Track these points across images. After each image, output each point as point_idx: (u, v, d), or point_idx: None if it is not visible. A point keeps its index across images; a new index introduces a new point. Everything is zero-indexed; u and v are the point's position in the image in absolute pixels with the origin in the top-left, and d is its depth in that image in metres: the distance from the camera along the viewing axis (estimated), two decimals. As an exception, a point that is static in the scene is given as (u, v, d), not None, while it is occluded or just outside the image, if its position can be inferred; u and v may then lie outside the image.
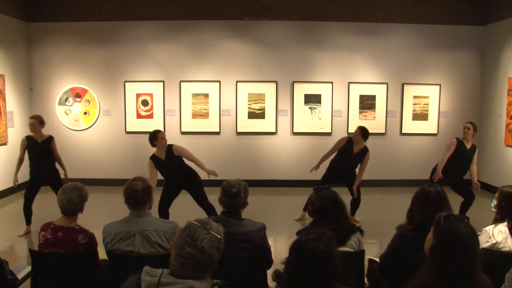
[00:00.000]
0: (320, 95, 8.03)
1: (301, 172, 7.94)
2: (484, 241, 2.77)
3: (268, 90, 8.00)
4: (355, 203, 5.91)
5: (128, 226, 2.66)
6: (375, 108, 8.11)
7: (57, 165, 5.52)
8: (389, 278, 2.63)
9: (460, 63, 8.16)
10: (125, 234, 2.63)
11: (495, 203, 2.99)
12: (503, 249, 2.69)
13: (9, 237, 5.19)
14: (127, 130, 8.07)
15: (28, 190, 5.28)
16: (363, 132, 5.82)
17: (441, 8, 7.99)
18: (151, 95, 8.01)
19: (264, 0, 7.87)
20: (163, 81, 7.98)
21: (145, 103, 8.02)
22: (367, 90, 8.08)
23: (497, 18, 7.69)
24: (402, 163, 8.19)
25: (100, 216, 4.52)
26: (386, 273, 2.67)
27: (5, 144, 7.18)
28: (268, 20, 7.94)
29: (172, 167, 4.96)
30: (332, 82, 8.00)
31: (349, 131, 8.08)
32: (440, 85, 8.14)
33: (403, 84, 8.11)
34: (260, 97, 8.01)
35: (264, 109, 8.03)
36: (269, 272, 3.00)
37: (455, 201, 5.17)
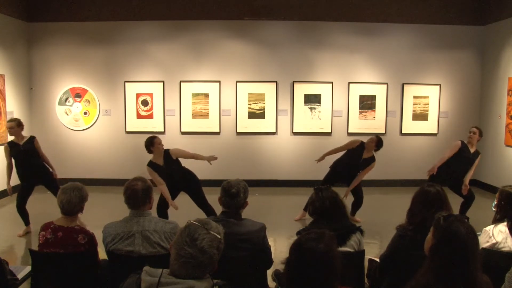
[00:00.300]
0: (320, 95, 8.03)
1: (301, 172, 7.95)
2: (484, 241, 2.77)
3: (268, 90, 8.00)
4: (357, 203, 5.91)
5: (128, 226, 2.66)
6: (375, 108, 8.11)
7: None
8: (389, 278, 2.63)
9: (460, 63, 8.16)
10: (125, 234, 2.63)
11: (496, 203, 2.99)
12: (503, 249, 2.69)
13: (9, 237, 5.19)
14: (127, 130, 8.06)
15: (20, 192, 5.23)
16: (378, 142, 5.76)
17: (441, 8, 7.99)
18: (151, 95, 8.01)
19: (264, 0, 7.87)
20: (163, 81, 7.97)
21: (145, 103, 8.02)
22: (367, 90, 8.08)
23: (497, 18, 7.69)
24: (402, 163, 8.19)
25: (100, 216, 4.52)
26: (386, 273, 2.67)
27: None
28: (268, 20, 7.94)
29: (171, 172, 4.95)
30: (332, 82, 8.00)
31: (349, 131, 8.10)
32: (440, 85, 8.14)
33: (403, 84, 8.11)
34: (260, 97, 8.01)
35: (264, 109, 8.03)
36: (269, 272, 3.00)
37: (455, 201, 5.18)
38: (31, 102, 8.05)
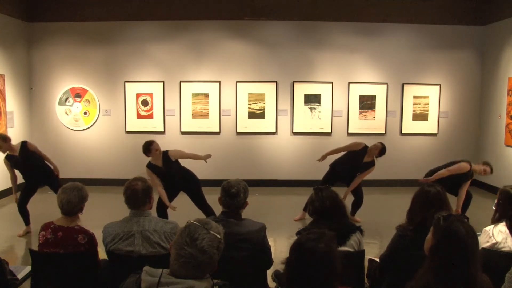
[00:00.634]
0: (320, 95, 8.03)
1: (301, 172, 7.95)
2: (484, 241, 2.77)
3: (268, 90, 8.00)
4: (357, 203, 5.91)
5: (128, 226, 2.66)
6: (375, 108, 8.11)
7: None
8: (389, 278, 2.63)
9: (460, 63, 8.16)
10: (125, 234, 2.63)
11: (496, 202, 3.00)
12: (503, 249, 2.69)
13: (9, 237, 5.19)
14: (127, 130, 8.06)
15: (23, 191, 5.24)
16: (382, 150, 5.73)
17: (441, 8, 7.99)
18: (151, 95, 8.01)
19: (264, 0, 7.87)
20: (163, 81, 7.97)
21: (145, 103, 8.02)
22: (367, 90, 8.08)
23: (497, 18, 7.69)
24: (402, 163, 8.18)
25: (100, 216, 4.51)
26: (386, 273, 2.68)
27: (5, 144, 7.17)
28: (268, 20, 7.94)
29: (171, 172, 4.95)
30: (332, 82, 8.00)
31: (349, 131, 8.09)
32: (440, 85, 8.14)
33: (403, 84, 8.11)
34: (260, 97, 8.01)
35: (264, 109, 8.03)
36: (269, 272, 3.00)
37: (454, 201, 5.18)
38: (31, 102, 8.05)
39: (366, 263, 2.97)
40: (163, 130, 8.02)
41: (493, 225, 2.84)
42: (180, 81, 7.96)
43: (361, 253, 2.71)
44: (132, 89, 7.99)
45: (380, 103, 8.10)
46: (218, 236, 1.64)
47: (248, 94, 8.00)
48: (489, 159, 7.80)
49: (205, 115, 8.03)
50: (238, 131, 8.06)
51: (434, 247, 1.82)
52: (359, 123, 8.12)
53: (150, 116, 8.04)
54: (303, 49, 8.00)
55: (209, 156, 5.27)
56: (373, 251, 4.47)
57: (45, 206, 5.42)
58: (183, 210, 5.06)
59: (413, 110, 8.17)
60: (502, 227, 2.78)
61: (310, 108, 8.06)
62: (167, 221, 2.86)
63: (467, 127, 8.30)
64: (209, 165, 7.81)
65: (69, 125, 8.08)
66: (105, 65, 7.99)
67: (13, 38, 7.52)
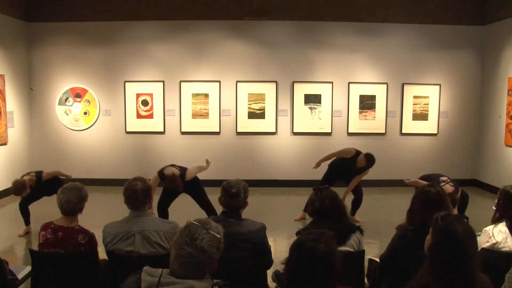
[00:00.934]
0: (320, 95, 8.03)
1: (301, 172, 7.95)
2: (484, 241, 2.78)
3: (268, 90, 8.00)
4: (357, 202, 5.92)
5: (128, 226, 2.66)
6: (375, 108, 8.11)
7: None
8: (389, 278, 2.63)
9: (460, 63, 8.16)
10: (125, 234, 2.63)
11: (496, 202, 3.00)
12: (503, 249, 2.69)
13: (9, 237, 5.18)
14: (127, 130, 8.06)
15: (30, 193, 5.19)
16: (368, 161, 5.71)
17: (441, 8, 7.99)
18: (151, 95, 8.00)
19: (264, 0, 7.87)
20: (163, 81, 7.97)
21: (145, 103, 8.02)
22: (367, 90, 8.08)
23: (497, 18, 7.69)
24: (402, 163, 8.18)
25: (100, 216, 4.51)
26: (386, 273, 2.67)
27: (5, 144, 7.18)
28: (268, 20, 7.94)
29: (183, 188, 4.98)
30: (332, 82, 8.00)
31: (349, 131, 8.10)
32: (440, 85, 8.14)
33: (403, 84, 8.11)
34: (260, 97, 8.01)
35: (264, 109, 8.03)
36: (269, 272, 3.00)
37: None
38: (31, 102, 8.05)
39: (366, 263, 2.97)
40: (163, 130, 8.03)
41: (493, 225, 2.84)
42: (180, 81, 7.96)
43: (361, 253, 2.71)
44: (132, 89, 7.99)
45: (380, 103, 8.10)
46: (218, 236, 1.64)
47: (248, 94, 8.00)
48: (489, 159, 7.84)
49: (205, 115, 8.03)
50: (238, 131, 8.06)
51: (431, 246, 1.82)
52: (359, 123, 8.12)
53: (150, 116, 8.04)
54: (303, 49, 8.00)
55: (209, 162, 5.27)
56: (373, 251, 4.47)
57: (45, 206, 5.41)
58: (183, 210, 5.05)
59: (413, 110, 8.17)
60: (502, 227, 2.78)
61: (310, 108, 8.06)
62: (167, 221, 2.86)
63: (467, 127, 8.30)
64: (210, 165, 7.80)
65: (69, 125, 8.08)
66: (105, 65, 7.99)
67: (13, 38, 7.52)
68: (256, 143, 8.12)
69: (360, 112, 8.11)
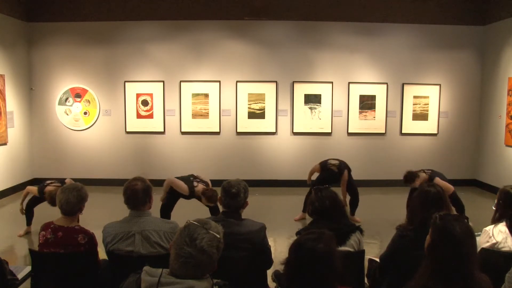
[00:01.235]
0: (320, 95, 8.03)
1: (301, 172, 7.91)
2: (484, 241, 2.78)
3: (268, 90, 8.00)
4: (354, 202, 5.93)
5: (128, 226, 2.66)
6: (375, 108, 8.11)
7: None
8: (389, 278, 2.63)
9: (460, 63, 8.16)
10: (125, 234, 2.63)
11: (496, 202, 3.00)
12: (503, 249, 2.69)
13: (9, 237, 5.18)
14: (127, 130, 8.06)
15: (33, 200, 5.16)
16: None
17: (441, 8, 7.98)
18: (151, 95, 8.01)
19: (264, 0, 7.87)
20: (163, 81, 7.97)
21: (145, 103, 8.02)
22: (367, 90, 8.08)
23: (497, 18, 7.69)
24: (402, 163, 8.13)
25: (100, 216, 4.51)
26: (386, 273, 2.67)
27: (5, 144, 7.18)
28: (268, 20, 7.94)
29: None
30: (332, 82, 8.00)
31: (349, 131, 8.10)
32: (440, 85, 8.14)
33: (403, 84, 8.11)
34: (260, 97, 8.01)
35: (264, 109, 8.03)
36: (269, 272, 3.00)
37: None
38: (31, 102, 8.05)
39: (366, 263, 2.97)
40: (163, 130, 8.03)
41: (493, 225, 2.84)
42: (180, 81, 7.96)
43: (361, 253, 2.72)
44: (132, 89, 7.99)
45: (380, 103, 8.10)
46: (218, 235, 1.64)
47: (248, 94, 8.00)
48: (489, 159, 7.84)
49: (205, 115, 8.03)
50: (238, 131, 8.06)
51: (430, 246, 1.82)
52: (359, 123, 8.12)
53: (150, 116, 8.04)
54: (303, 49, 7.99)
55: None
56: (373, 251, 4.47)
57: (45, 206, 5.40)
58: (183, 210, 5.05)
59: (413, 110, 8.17)
60: (502, 227, 2.78)
61: (310, 108, 8.06)
62: (167, 221, 2.86)
63: (467, 127, 8.30)
64: (210, 165, 7.81)
65: (69, 125, 8.08)
66: (105, 65, 7.99)
67: (13, 38, 7.52)
68: (256, 143, 8.12)
69: (360, 112, 8.11)
